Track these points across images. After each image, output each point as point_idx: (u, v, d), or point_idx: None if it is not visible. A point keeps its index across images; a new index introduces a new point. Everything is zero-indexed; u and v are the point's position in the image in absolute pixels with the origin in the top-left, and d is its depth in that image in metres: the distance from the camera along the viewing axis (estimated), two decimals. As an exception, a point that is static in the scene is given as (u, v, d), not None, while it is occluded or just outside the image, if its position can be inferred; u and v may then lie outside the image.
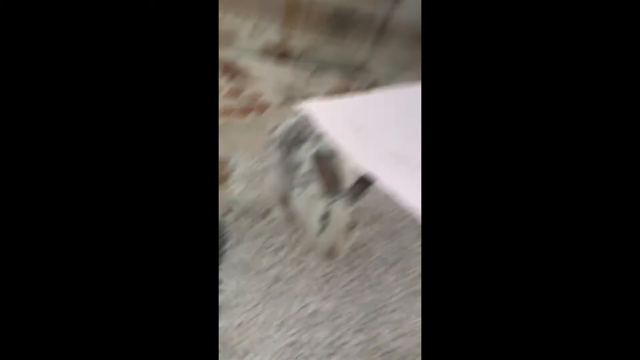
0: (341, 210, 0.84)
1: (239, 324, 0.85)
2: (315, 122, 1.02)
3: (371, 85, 1.84)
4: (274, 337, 0.84)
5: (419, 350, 0.85)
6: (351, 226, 0.85)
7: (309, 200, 0.92)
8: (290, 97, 1.63)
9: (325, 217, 0.84)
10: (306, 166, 0.95)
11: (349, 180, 0.90)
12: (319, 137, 0.99)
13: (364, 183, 0.85)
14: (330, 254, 0.86)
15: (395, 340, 0.89)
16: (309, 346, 0.84)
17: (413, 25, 1.87)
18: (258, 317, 0.87)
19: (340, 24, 1.79)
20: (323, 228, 0.85)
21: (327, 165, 0.85)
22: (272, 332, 0.85)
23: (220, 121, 1.40)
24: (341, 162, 0.92)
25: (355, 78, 1.87)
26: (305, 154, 0.97)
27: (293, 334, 0.86)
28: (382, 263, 1.05)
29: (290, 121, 1.06)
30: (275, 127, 1.22)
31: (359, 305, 0.94)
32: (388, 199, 1.22)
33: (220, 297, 0.89)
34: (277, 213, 1.08)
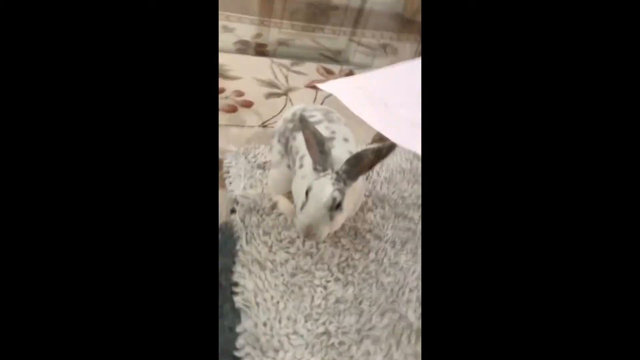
0: (324, 186, 0.80)
1: (265, 322, 0.82)
2: (312, 111, 1.01)
3: (349, 74, 1.84)
4: (302, 331, 0.82)
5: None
6: (335, 205, 0.81)
7: (300, 181, 0.91)
8: (272, 92, 1.60)
9: (307, 192, 0.81)
10: (302, 150, 0.93)
11: (341, 160, 0.87)
12: (317, 123, 0.97)
13: (357, 161, 0.82)
14: (309, 233, 0.81)
15: (420, 319, 0.89)
16: (339, 334, 0.83)
17: (389, 9, 1.87)
18: (282, 313, 0.84)
19: (316, 13, 1.78)
20: (303, 204, 0.82)
21: (312, 130, 0.83)
22: (300, 326, 0.83)
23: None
24: (336, 141, 0.93)
25: (333, 68, 1.86)
26: (301, 141, 0.95)
27: (321, 325, 0.84)
28: (393, 245, 1.05)
29: (289, 113, 1.04)
30: (265, 123, 1.18)
31: (380, 288, 0.94)
32: (390, 181, 1.23)
33: (240, 299, 0.86)
34: (282, 206, 1.05)
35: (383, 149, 0.81)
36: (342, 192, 0.82)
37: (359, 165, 0.83)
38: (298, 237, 1.00)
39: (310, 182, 0.82)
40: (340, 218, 0.85)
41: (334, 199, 0.80)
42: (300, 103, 1.11)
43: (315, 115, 1.00)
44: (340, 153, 0.90)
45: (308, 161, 0.90)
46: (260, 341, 0.78)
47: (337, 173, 0.83)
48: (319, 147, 0.84)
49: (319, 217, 0.80)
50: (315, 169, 0.85)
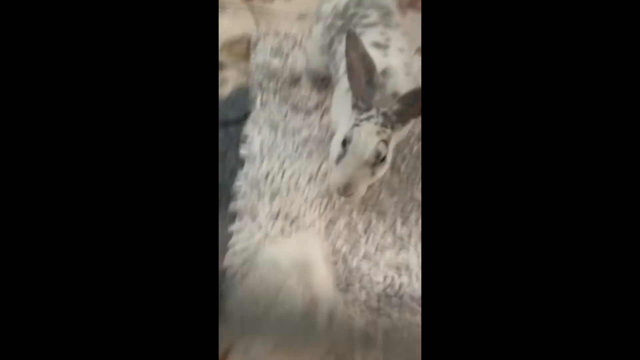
0: (366, 138, 0.59)
1: (267, 173, 0.78)
2: (369, 9, 0.83)
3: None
4: (305, 189, 0.78)
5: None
6: (377, 159, 0.61)
7: (342, 98, 0.72)
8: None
9: (346, 143, 0.61)
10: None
11: (389, 95, 0.64)
12: (370, 26, 0.75)
13: (416, 100, 0.59)
14: (346, 190, 0.62)
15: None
16: (341, 198, 0.78)
17: None
18: (287, 170, 0.80)
19: None
20: (340, 157, 0.62)
21: (360, 53, 0.60)
22: (303, 184, 0.78)
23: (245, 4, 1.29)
24: (390, 50, 0.69)
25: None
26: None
27: (325, 186, 0.79)
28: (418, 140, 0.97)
29: (340, 3, 0.81)
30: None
31: (395, 172, 0.87)
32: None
33: (245, 150, 0.82)
34: (306, 83, 0.99)
35: None
36: (388, 143, 0.60)
37: (417, 104, 0.59)
38: (316, 108, 0.93)
39: (348, 129, 0.62)
40: (383, 170, 0.64)
41: (379, 154, 0.60)
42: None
43: (369, 15, 0.75)
44: (395, 63, 0.68)
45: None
46: (259, 185, 0.75)
47: (384, 115, 0.60)
48: (366, 77, 0.60)
49: (358, 175, 0.61)
50: (356, 107, 0.62)
